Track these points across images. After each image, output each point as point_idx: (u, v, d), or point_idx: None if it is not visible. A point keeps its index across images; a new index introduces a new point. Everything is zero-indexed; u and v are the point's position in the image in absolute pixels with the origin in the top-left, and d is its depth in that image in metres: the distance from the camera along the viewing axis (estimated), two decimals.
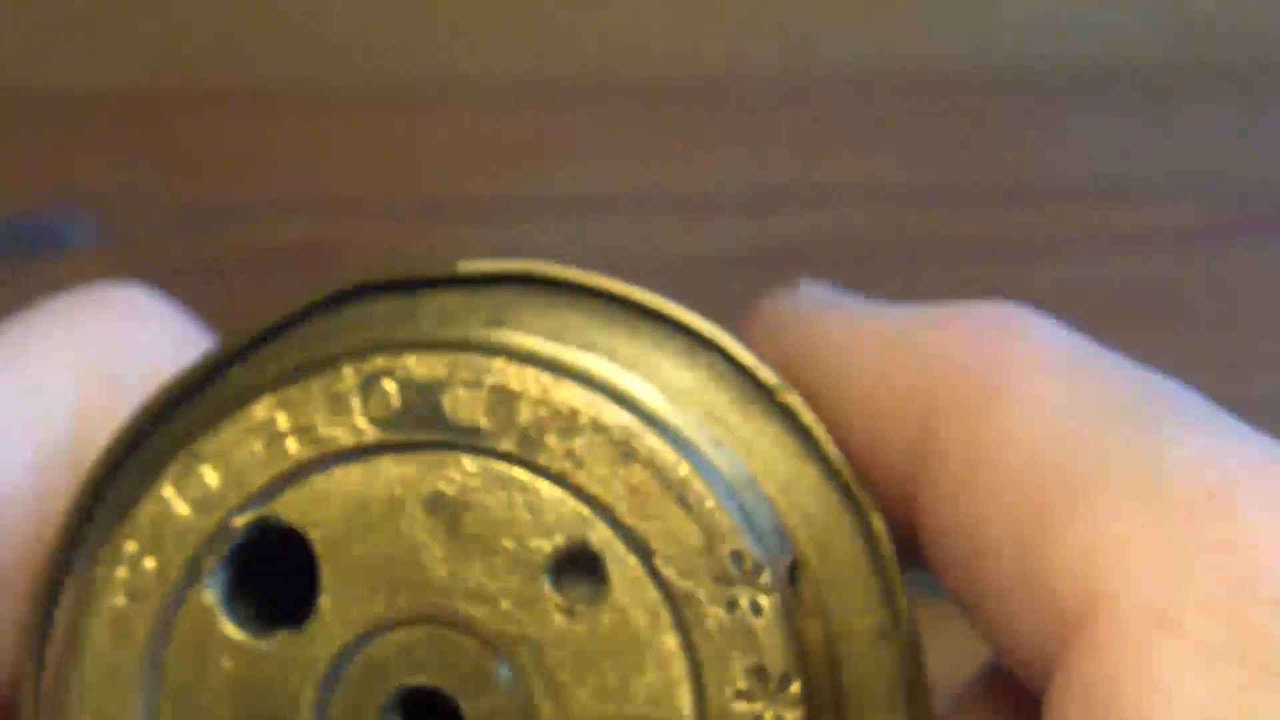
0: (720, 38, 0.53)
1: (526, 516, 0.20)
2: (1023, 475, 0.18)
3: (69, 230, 0.49)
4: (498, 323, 0.21)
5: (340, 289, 0.22)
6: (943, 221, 0.50)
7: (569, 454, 0.20)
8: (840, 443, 0.21)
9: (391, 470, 0.20)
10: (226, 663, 0.20)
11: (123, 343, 0.22)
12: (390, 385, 0.20)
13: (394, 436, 0.20)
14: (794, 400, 0.21)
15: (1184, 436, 0.18)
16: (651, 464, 0.20)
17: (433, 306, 0.21)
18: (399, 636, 0.20)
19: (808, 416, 0.21)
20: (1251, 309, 0.50)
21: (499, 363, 0.20)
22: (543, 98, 0.52)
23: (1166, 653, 0.17)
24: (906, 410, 0.20)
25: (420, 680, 0.20)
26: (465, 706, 0.20)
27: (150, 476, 0.20)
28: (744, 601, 0.19)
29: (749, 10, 0.53)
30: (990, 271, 0.48)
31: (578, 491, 0.20)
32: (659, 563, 0.20)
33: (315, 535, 0.20)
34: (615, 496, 0.20)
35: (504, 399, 0.20)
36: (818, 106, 0.53)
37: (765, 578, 0.20)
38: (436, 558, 0.20)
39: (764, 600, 0.19)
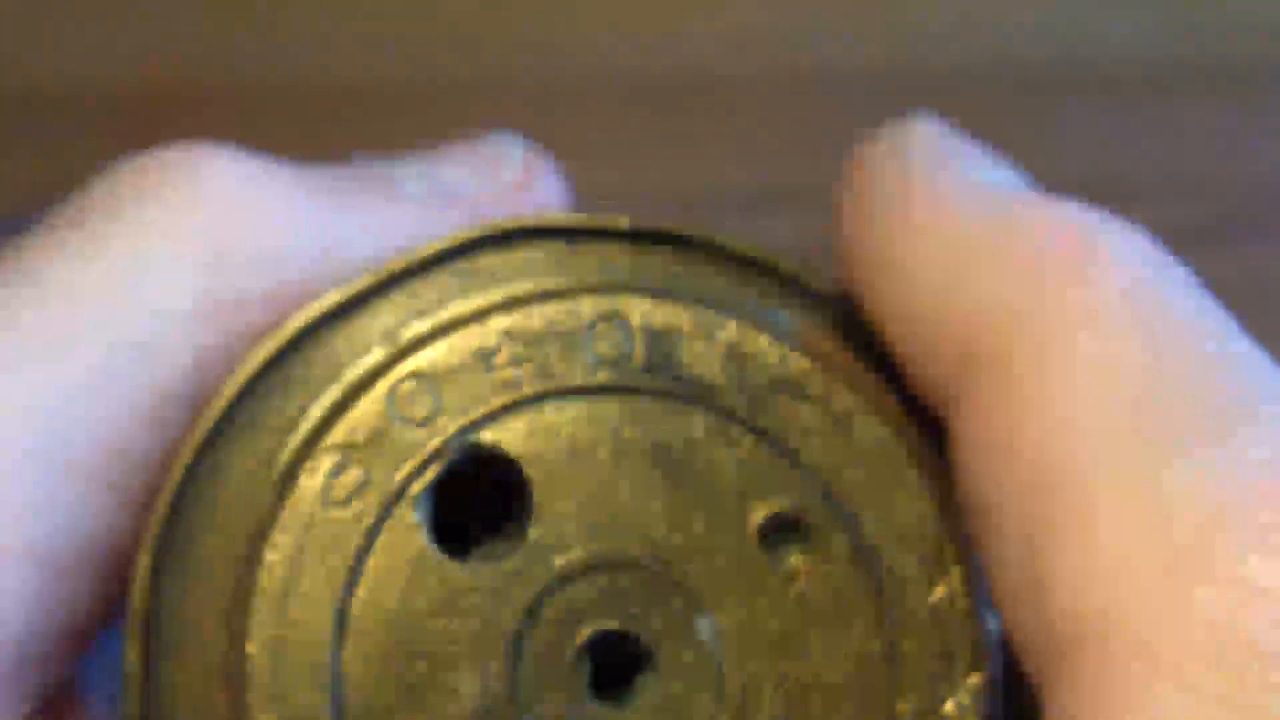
0: (720, 38, 0.53)
1: (748, 477, 0.20)
2: (1038, 469, 0.17)
3: None
4: (673, 279, 0.21)
5: (518, 226, 0.22)
6: None
7: (796, 422, 0.20)
8: (888, 341, 0.20)
9: (617, 413, 0.20)
10: (428, 584, 0.20)
11: (228, 220, 0.21)
12: (626, 329, 0.20)
13: (623, 380, 0.20)
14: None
15: (1201, 451, 0.17)
16: (871, 441, 0.20)
17: (593, 258, 0.22)
18: (605, 579, 0.20)
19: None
20: (1251, 309, 0.50)
21: (734, 322, 0.20)
22: (542, 98, 0.52)
23: (1159, 694, 0.16)
24: (952, 349, 0.19)
25: (624, 625, 0.20)
26: (663, 655, 0.20)
27: (350, 387, 0.20)
28: (942, 589, 0.20)
29: (749, 10, 0.53)
30: None
31: (797, 458, 0.20)
32: (868, 538, 0.20)
33: (533, 468, 0.20)
34: (835, 469, 0.20)
35: (739, 358, 0.20)
36: (818, 106, 0.53)
37: (961, 571, 0.20)
38: (654, 507, 0.20)
39: (960, 589, 0.20)
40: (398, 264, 0.21)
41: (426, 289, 0.21)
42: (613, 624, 0.20)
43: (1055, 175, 0.53)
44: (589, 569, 0.20)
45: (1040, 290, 0.18)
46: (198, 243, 0.21)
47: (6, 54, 0.52)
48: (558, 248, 0.21)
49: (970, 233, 0.19)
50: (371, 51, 0.52)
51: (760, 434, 0.20)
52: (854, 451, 0.20)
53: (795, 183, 0.52)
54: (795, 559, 0.20)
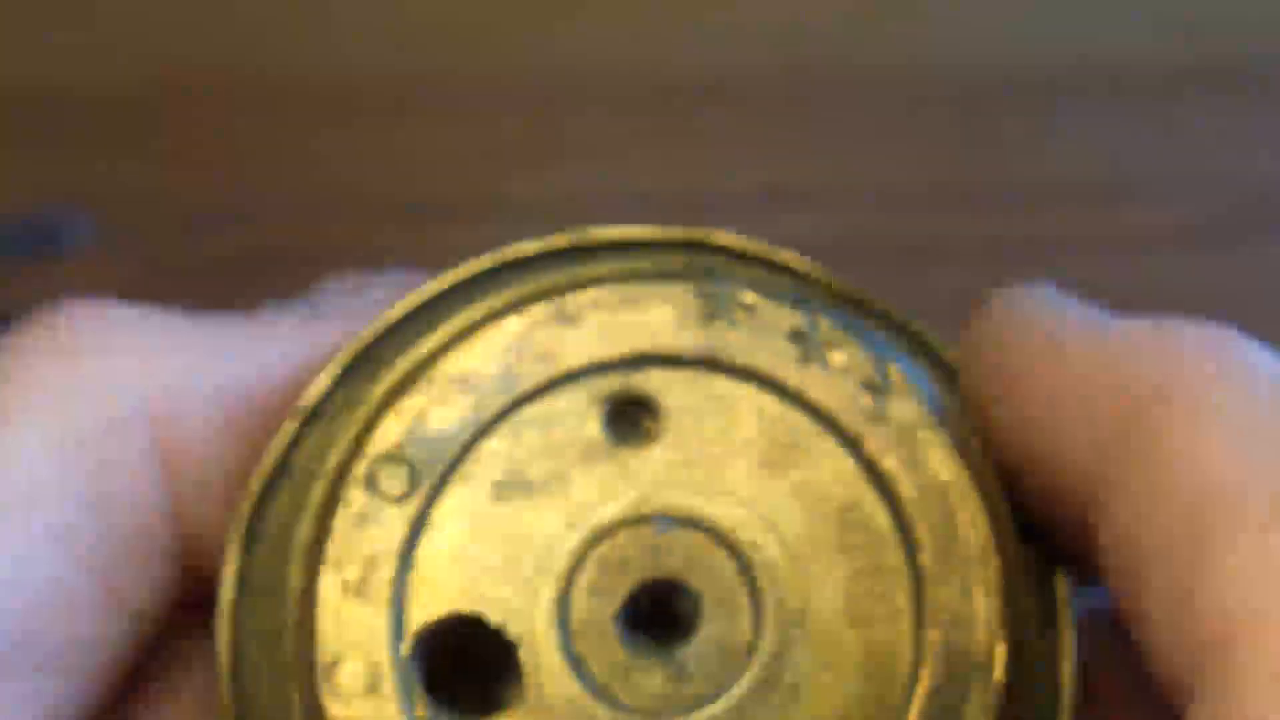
0: (720, 38, 0.53)
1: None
2: (1190, 502, 0.19)
3: (69, 230, 0.49)
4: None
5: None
6: (943, 221, 0.50)
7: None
8: (1023, 438, 0.22)
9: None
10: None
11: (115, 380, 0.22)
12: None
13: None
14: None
15: None
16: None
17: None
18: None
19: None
20: (1252, 309, 0.50)
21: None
22: (542, 97, 0.52)
23: None
24: (1100, 421, 0.21)
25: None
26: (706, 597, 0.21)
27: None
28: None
29: (749, 10, 0.53)
30: (990, 271, 0.48)
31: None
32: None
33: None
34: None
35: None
36: (818, 106, 0.53)
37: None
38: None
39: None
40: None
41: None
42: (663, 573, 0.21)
43: (1055, 175, 0.53)
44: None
45: (1193, 375, 0.20)
46: (59, 383, 0.22)
47: (8, 54, 0.52)
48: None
49: (1121, 334, 0.22)
50: (373, 50, 0.52)
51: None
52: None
53: (801, 182, 0.52)
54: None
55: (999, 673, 0.21)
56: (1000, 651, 0.21)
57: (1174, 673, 0.19)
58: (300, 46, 0.52)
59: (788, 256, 0.24)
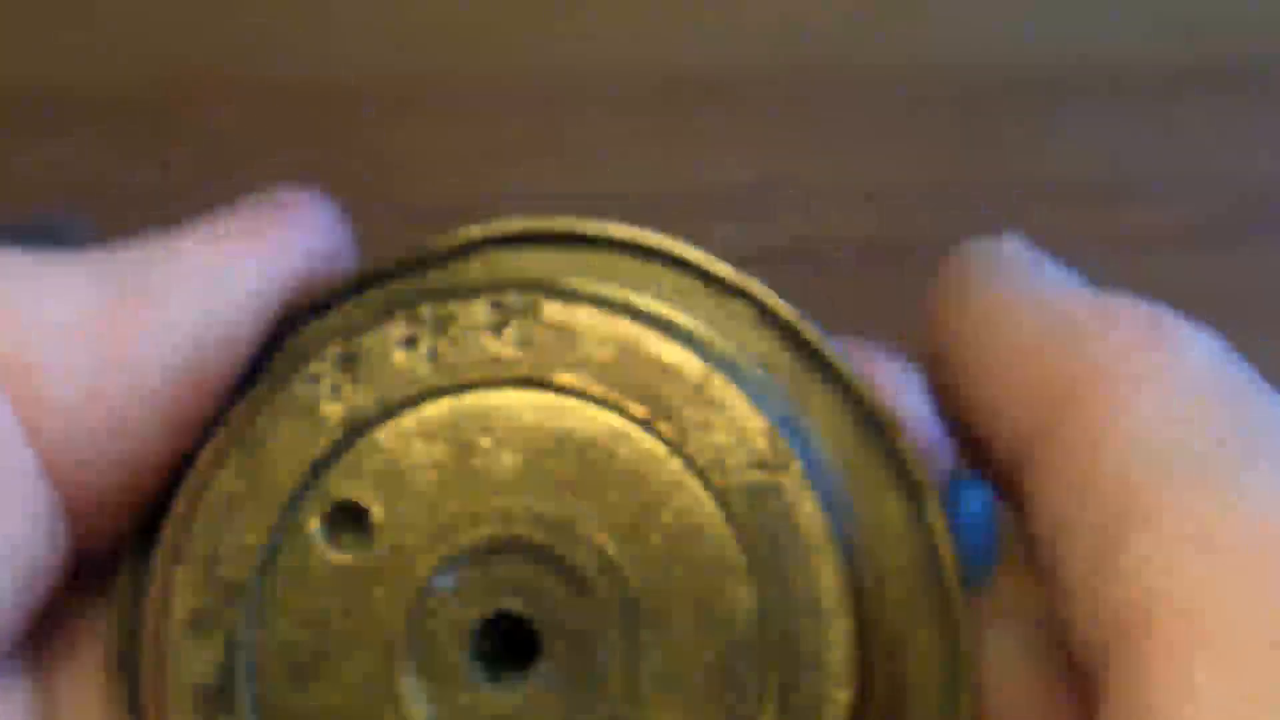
0: (720, 38, 0.53)
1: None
2: (1113, 489, 0.20)
3: (69, 231, 0.49)
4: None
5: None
6: (943, 221, 0.50)
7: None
8: (958, 400, 0.22)
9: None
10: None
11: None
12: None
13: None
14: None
15: (1265, 482, 0.19)
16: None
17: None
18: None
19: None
20: (1252, 309, 0.50)
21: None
22: (542, 97, 0.52)
23: (1205, 669, 0.18)
24: (1041, 394, 0.21)
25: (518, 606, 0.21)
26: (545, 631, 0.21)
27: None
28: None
29: (749, 10, 0.53)
30: None
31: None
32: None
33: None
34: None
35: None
36: (818, 106, 0.53)
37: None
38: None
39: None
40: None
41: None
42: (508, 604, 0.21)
43: (1056, 175, 0.53)
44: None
45: (1128, 353, 0.21)
46: None
47: (9, 54, 0.52)
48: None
49: (1066, 310, 0.22)
50: (373, 50, 0.52)
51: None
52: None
53: (801, 182, 0.52)
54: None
55: (831, 570, 0.21)
56: (828, 553, 0.21)
57: (1089, 649, 0.19)
58: (300, 46, 0.52)
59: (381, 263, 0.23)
